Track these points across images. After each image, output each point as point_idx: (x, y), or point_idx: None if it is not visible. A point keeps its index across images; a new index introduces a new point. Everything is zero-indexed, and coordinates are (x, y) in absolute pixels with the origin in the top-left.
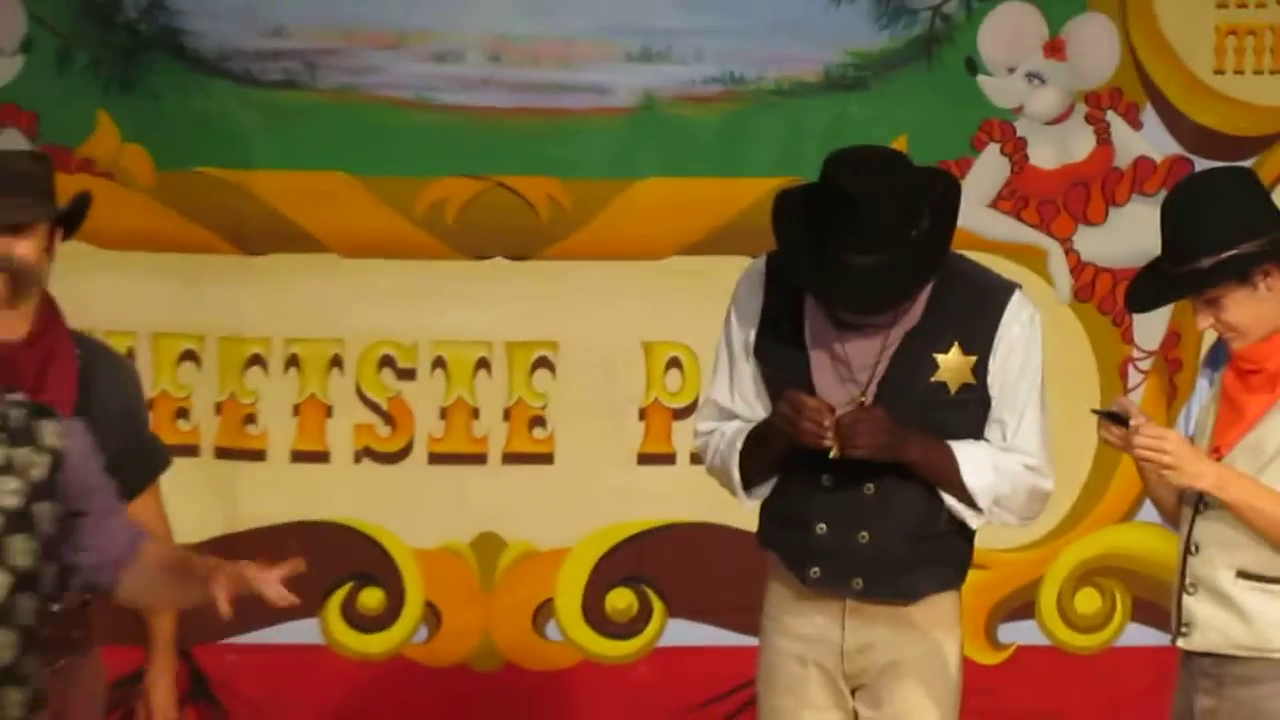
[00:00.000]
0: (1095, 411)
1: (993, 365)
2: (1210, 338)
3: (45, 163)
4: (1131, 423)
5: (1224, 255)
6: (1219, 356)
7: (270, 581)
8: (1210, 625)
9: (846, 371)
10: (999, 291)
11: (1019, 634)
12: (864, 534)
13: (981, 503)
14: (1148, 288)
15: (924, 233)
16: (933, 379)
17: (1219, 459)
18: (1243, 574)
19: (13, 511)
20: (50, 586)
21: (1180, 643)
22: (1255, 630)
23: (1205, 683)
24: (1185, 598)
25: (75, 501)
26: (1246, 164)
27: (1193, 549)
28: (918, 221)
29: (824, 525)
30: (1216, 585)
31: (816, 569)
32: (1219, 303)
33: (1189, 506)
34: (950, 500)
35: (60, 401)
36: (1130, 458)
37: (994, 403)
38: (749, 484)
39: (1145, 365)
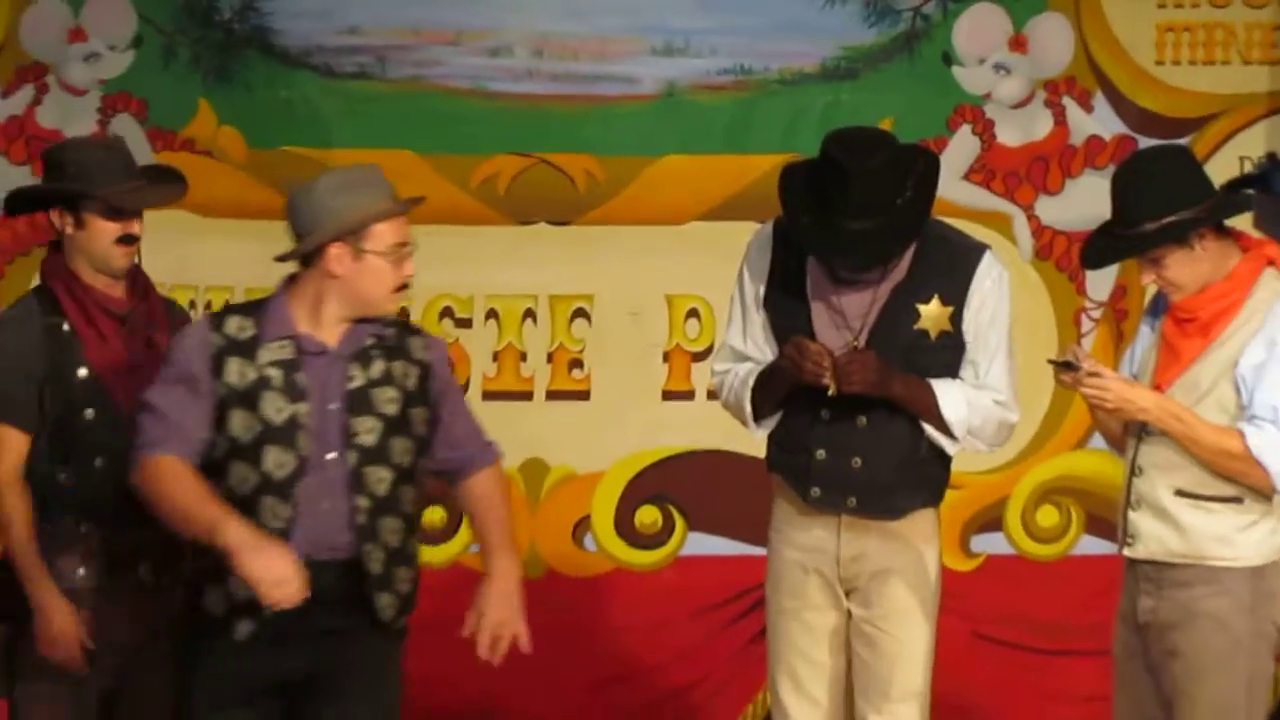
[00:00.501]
0: (1050, 361)
1: (967, 315)
2: (1151, 290)
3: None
4: (1082, 368)
5: (1165, 220)
6: (1159, 307)
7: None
8: (1151, 536)
9: (842, 320)
10: (972, 252)
11: (988, 545)
12: (857, 459)
13: (957, 432)
14: (1100, 248)
15: (908, 201)
16: (916, 327)
17: (1161, 389)
18: (1180, 492)
19: (393, 417)
20: (421, 482)
21: (1126, 551)
22: (1190, 541)
23: (1147, 586)
24: (1130, 513)
25: (437, 406)
26: (1183, 142)
27: (1137, 471)
28: (902, 191)
29: (823, 452)
30: (1157, 502)
31: (817, 489)
32: (1161, 261)
33: (1133, 435)
34: (930, 430)
35: (164, 339)
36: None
37: (968, 347)
38: (759, 416)
39: (1096, 314)
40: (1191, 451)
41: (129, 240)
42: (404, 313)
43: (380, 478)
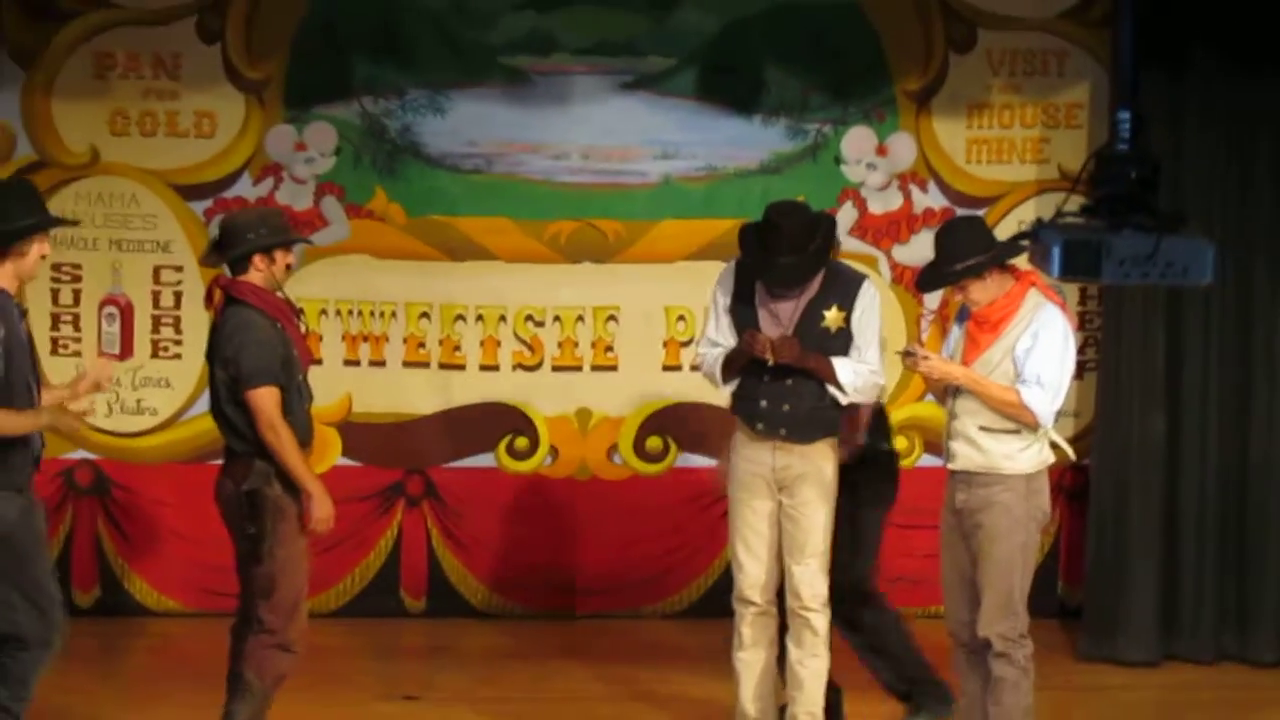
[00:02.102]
0: (897, 352)
1: (854, 317)
2: (958, 304)
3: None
4: (917, 355)
5: (967, 263)
6: (964, 314)
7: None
8: (964, 456)
9: (777, 320)
10: (857, 278)
11: None
12: (786, 406)
13: (847, 390)
14: (928, 278)
15: (817, 246)
16: (822, 325)
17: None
18: (982, 428)
19: None
20: None
21: (950, 465)
22: (989, 458)
23: (961, 486)
24: (950, 442)
25: None
26: (981, 212)
27: (954, 416)
28: (813, 240)
29: (765, 402)
30: (968, 434)
31: (761, 424)
32: (965, 287)
33: (950, 394)
34: (831, 388)
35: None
36: (918, 374)
37: (854, 337)
38: (726, 380)
39: (930, 319)
40: (987, 403)
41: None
42: (460, 316)
43: None
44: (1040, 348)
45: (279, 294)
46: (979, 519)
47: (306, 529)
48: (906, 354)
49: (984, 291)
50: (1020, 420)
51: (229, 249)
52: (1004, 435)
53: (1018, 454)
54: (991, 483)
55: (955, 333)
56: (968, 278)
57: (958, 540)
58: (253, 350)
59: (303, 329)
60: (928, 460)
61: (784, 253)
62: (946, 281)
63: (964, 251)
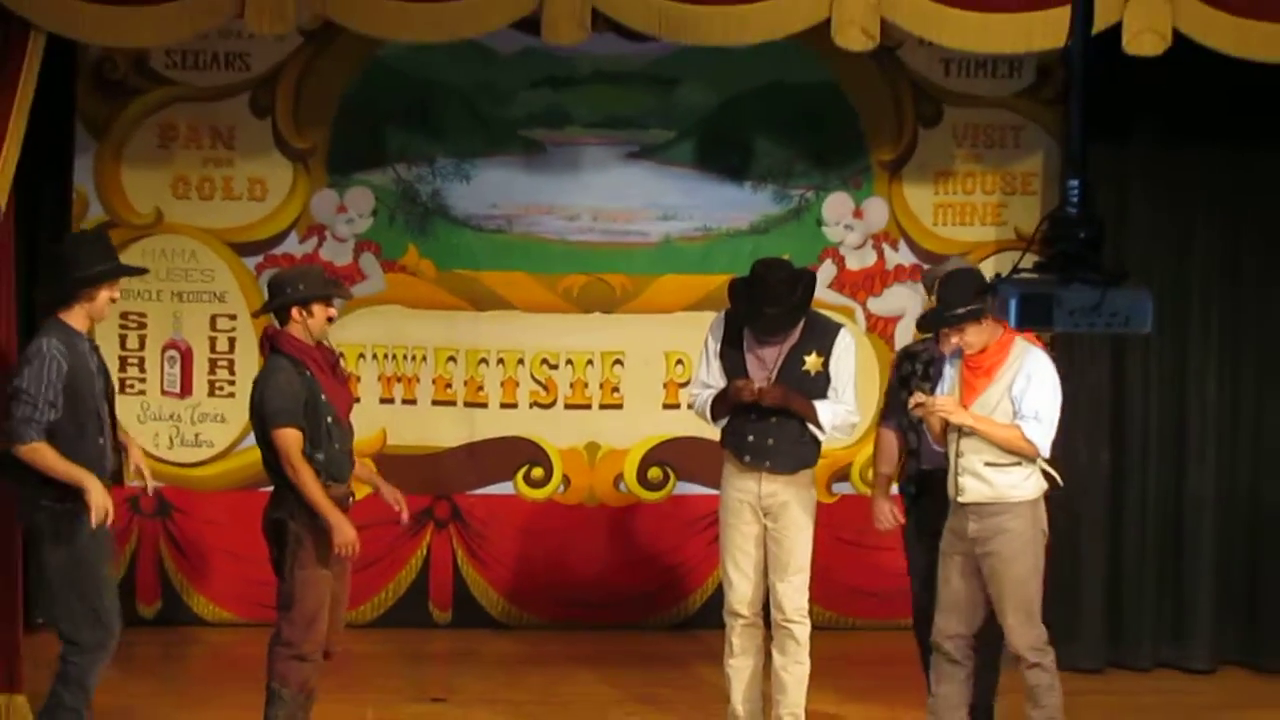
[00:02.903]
0: (911, 408)
1: (832, 362)
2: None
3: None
4: (926, 401)
5: (971, 307)
6: (955, 358)
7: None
8: (973, 489)
9: (763, 364)
10: (834, 326)
11: (841, 488)
12: (770, 440)
13: (825, 428)
14: (931, 320)
15: (799, 299)
16: (803, 368)
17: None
18: (988, 464)
19: None
20: None
21: (959, 498)
22: (996, 490)
23: (973, 517)
24: (959, 478)
25: None
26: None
27: (960, 453)
28: (795, 292)
29: (751, 437)
30: (974, 470)
31: (748, 457)
32: (964, 329)
33: (954, 433)
34: (811, 426)
35: (343, 374)
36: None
37: (832, 380)
38: (715, 418)
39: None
40: (990, 440)
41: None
42: (484, 359)
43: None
44: (1034, 386)
45: (321, 343)
46: (992, 546)
47: (332, 554)
48: (916, 405)
49: (979, 335)
50: (1021, 453)
51: (270, 302)
52: (1008, 468)
53: (1021, 483)
54: (1001, 512)
55: (949, 375)
56: (968, 321)
57: (961, 563)
58: (274, 394)
59: (344, 374)
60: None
61: (769, 304)
62: (948, 323)
63: (965, 298)
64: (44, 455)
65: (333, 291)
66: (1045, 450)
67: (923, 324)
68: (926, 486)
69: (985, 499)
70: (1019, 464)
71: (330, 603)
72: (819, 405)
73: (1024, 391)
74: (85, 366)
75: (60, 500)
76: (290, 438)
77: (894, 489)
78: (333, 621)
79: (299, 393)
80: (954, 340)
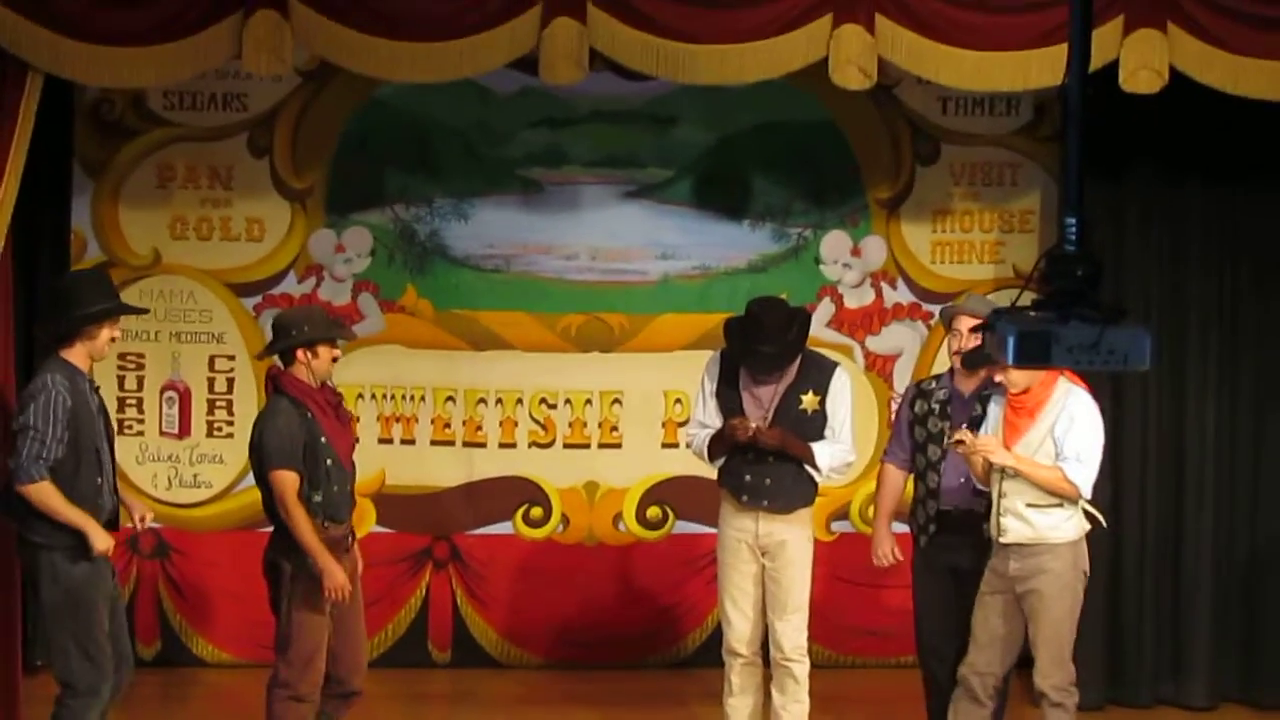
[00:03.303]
0: (950, 444)
1: (828, 401)
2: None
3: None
4: (969, 441)
5: None
6: (998, 397)
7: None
8: (1015, 530)
9: (759, 404)
10: (830, 365)
11: (841, 526)
12: (768, 480)
13: (823, 471)
14: (978, 359)
15: (794, 337)
16: (800, 407)
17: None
18: (1029, 505)
19: None
20: None
21: (1001, 539)
22: (1038, 530)
23: (1014, 556)
24: (1001, 518)
25: None
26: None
27: (1003, 494)
28: (790, 331)
29: (749, 476)
30: (1016, 510)
31: (746, 496)
32: (1008, 369)
33: (997, 474)
34: (808, 467)
35: (346, 416)
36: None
37: (829, 419)
38: (713, 458)
39: (897, 400)
40: (1032, 481)
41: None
42: (482, 399)
43: None
44: (1077, 428)
45: (325, 384)
46: (1032, 585)
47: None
48: (958, 443)
49: (1023, 374)
50: (1063, 494)
51: (274, 344)
52: (1049, 509)
53: (1063, 524)
54: (1042, 552)
55: (992, 414)
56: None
57: (1000, 603)
58: (272, 435)
59: (347, 415)
60: (897, 527)
61: (764, 343)
62: (994, 362)
63: None
64: (48, 495)
65: (336, 333)
66: (1087, 492)
67: (969, 362)
68: (943, 525)
69: (1027, 539)
70: (1060, 505)
71: (348, 641)
72: (816, 447)
73: (1067, 432)
74: (86, 404)
75: (59, 540)
76: (286, 480)
77: (896, 526)
78: (353, 659)
79: (297, 434)
80: (998, 378)
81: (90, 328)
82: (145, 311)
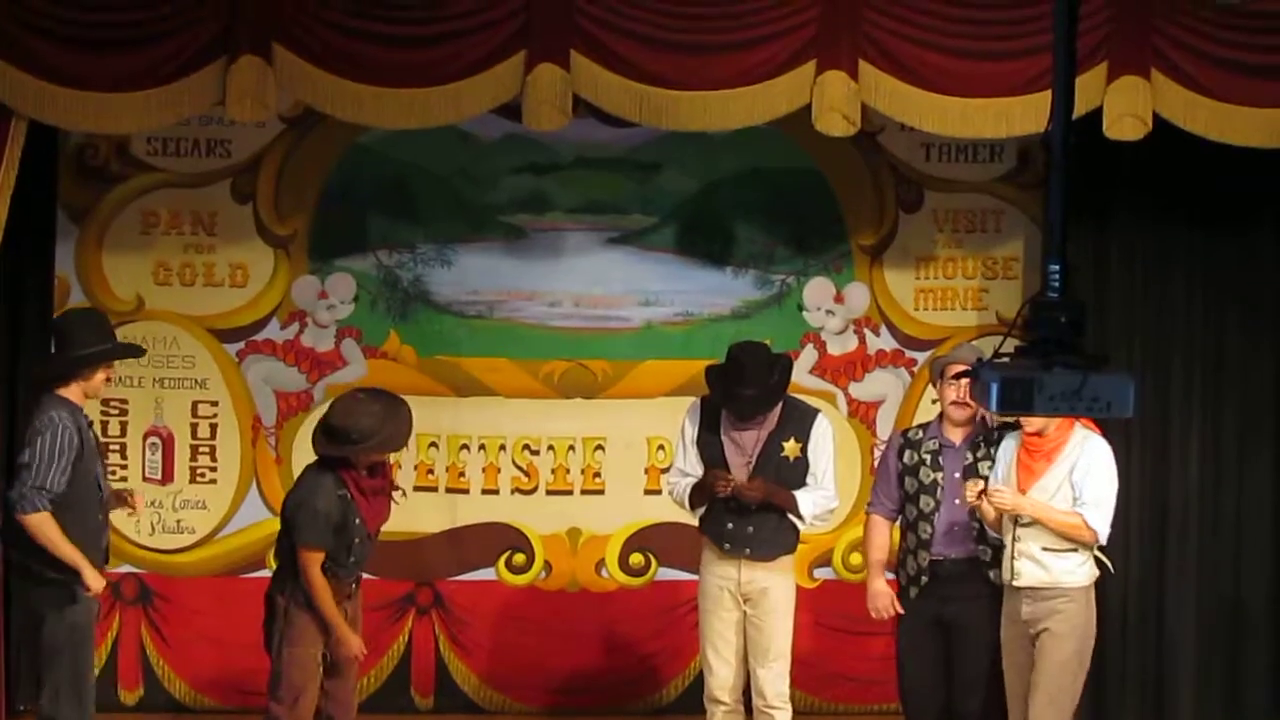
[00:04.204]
0: (970, 498)
1: (810, 447)
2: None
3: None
4: (991, 493)
5: None
6: (1012, 436)
7: None
8: (1029, 573)
9: (741, 451)
10: (812, 411)
11: (823, 574)
12: (750, 528)
13: (806, 519)
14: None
15: (775, 382)
16: (782, 454)
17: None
18: (1045, 549)
19: None
20: None
21: (1014, 582)
22: (1052, 574)
23: (1027, 600)
24: (1014, 561)
25: None
26: (926, 354)
27: (1017, 538)
28: (772, 375)
29: (731, 524)
30: (1031, 554)
31: (729, 544)
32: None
33: (1011, 520)
34: (791, 515)
35: (383, 483)
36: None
37: (810, 465)
38: (694, 507)
39: (880, 448)
40: (1049, 526)
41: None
42: (465, 445)
43: None
44: (1095, 473)
45: (384, 463)
46: (1045, 625)
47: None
48: (980, 494)
49: (1041, 420)
50: (1081, 539)
51: (332, 447)
52: (1065, 553)
53: (1077, 569)
54: (1055, 596)
55: (1003, 456)
56: None
57: (1019, 651)
58: (308, 514)
59: (388, 491)
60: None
61: (747, 386)
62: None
63: None
64: (48, 529)
65: (400, 444)
66: (1104, 537)
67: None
68: (935, 576)
69: (1041, 583)
70: (1075, 550)
71: (343, 682)
72: (799, 495)
73: (1085, 477)
74: (88, 441)
75: (63, 574)
76: (312, 559)
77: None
78: (346, 699)
79: (333, 517)
80: (1029, 428)
81: (87, 369)
82: (142, 352)
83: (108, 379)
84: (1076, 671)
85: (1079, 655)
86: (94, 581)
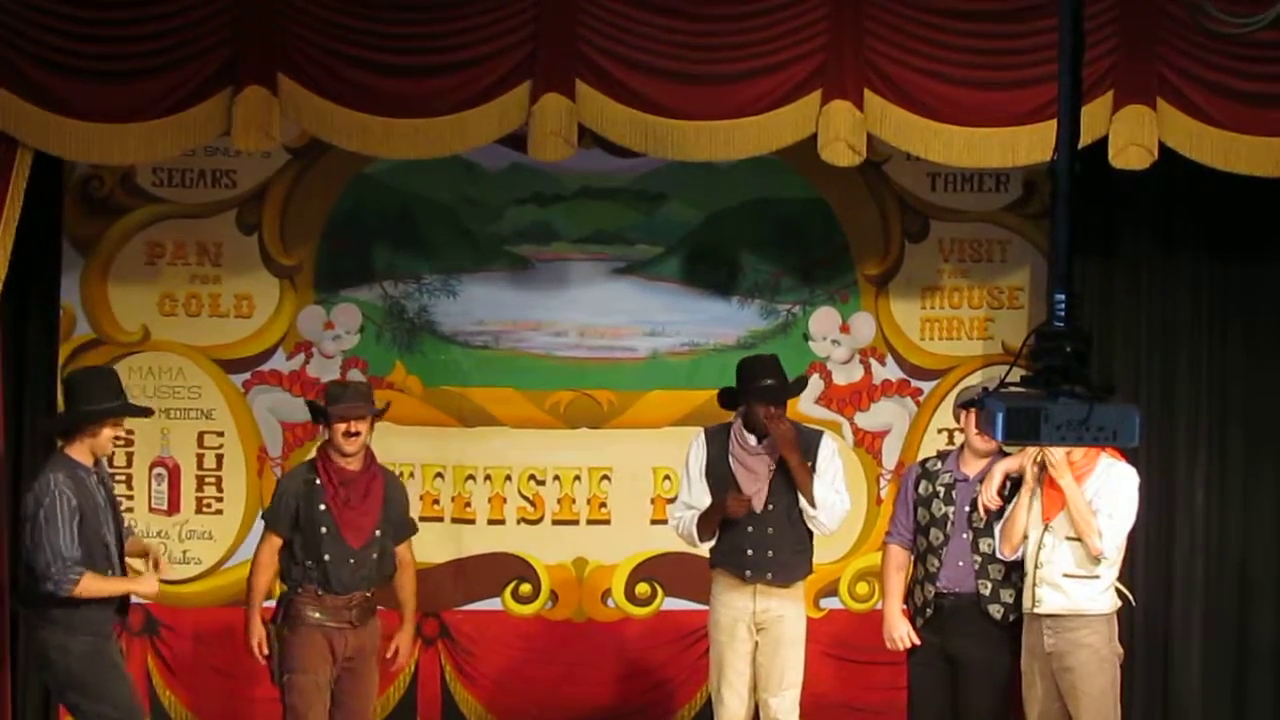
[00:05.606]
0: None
1: (820, 465)
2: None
3: (369, 386)
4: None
5: None
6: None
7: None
8: (1050, 599)
9: (755, 477)
10: (816, 434)
11: (830, 604)
12: (770, 552)
13: (818, 503)
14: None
15: (791, 379)
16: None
17: (1047, 521)
18: (1066, 575)
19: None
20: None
21: (1035, 609)
22: (1074, 601)
23: (1049, 631)
24: (1037, 588)
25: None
26: (933, 384)
27: (1039, 564)
28: (785, 373)
29: (751, 551)
30: (1053, 580)
31: (749, 571)
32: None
33: (1034, 545)
34: (802, 500)
35: (375, 502)
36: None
37: (823, 475)
38: (702, 538)
39: (887, 477)
40: (1073, 508)
41: (351, 435)
42: (471, 475)
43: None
44: (1114, 491)
45: (370, 466)
46: (1069, 662)
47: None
48: (992, 511)
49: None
50: (1088, 539)
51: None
52: (1086, 580)
53: (1098, 596)
54: (1078, 626)
55: (1026, 480)
56: None
57: (1040, 681)
58: (274, 494)
59: (374, 500)
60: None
61: (766, 377)
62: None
63: None
64: (94, 585)
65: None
66: (1110, 551)
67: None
68: (940, 609)
69: (1062, 610)
70: (1096, 577)
71: (353, 714)
72: (816, 480)
73: (1102, 495)
74: (91, 500)
75: (85, 639)
76: (266, 538)
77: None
78: None
79: (292, 500)
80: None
81: (93, 426)
82: (150, 413)
83: (117, 437)
84: (1113, 693)
85: (1112, 680)
86: (145, 587)
